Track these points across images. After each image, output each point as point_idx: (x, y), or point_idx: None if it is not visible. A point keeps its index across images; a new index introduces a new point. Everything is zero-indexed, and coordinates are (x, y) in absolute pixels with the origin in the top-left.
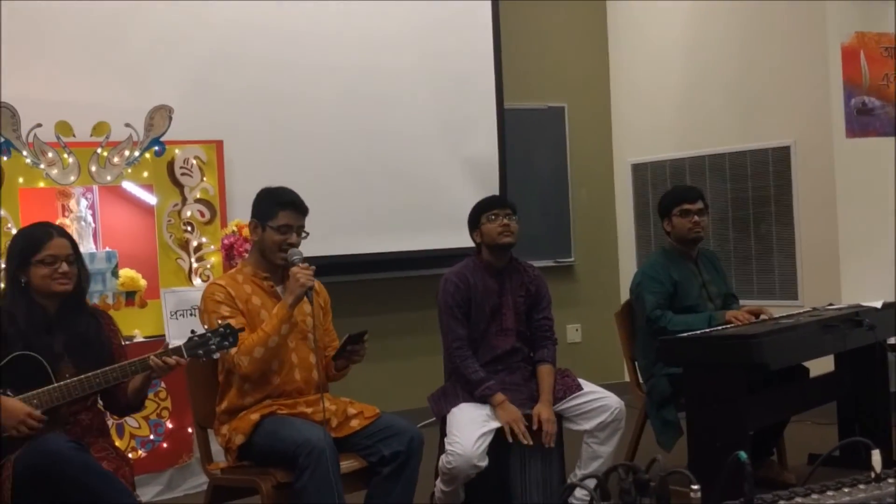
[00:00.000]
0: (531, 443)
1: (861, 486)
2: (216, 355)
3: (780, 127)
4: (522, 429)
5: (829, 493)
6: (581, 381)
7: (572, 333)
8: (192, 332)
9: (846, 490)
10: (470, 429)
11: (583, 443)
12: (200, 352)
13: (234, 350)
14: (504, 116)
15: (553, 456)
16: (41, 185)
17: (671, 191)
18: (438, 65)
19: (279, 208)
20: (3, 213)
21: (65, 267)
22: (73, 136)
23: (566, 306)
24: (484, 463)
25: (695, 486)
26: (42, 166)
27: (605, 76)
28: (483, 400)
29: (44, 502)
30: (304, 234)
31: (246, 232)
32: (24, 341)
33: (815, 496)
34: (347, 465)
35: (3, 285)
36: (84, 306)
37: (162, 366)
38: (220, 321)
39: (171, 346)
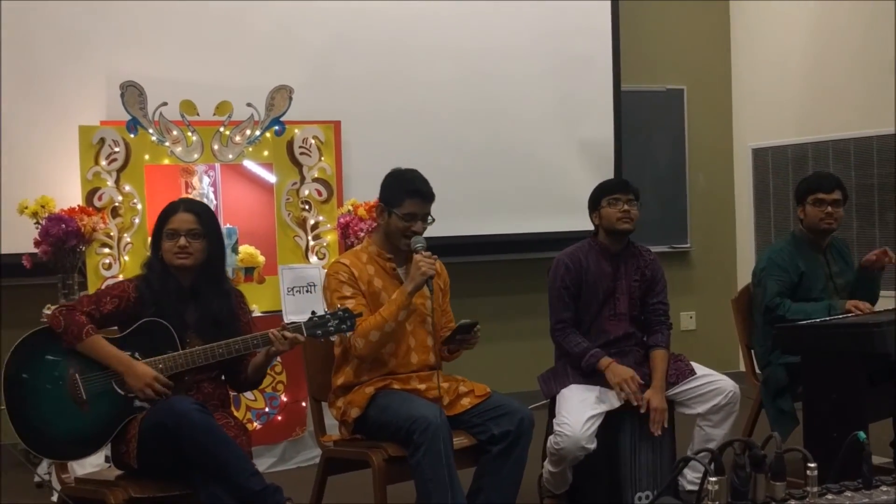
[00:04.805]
0: (643, 405)
1: None
2: (333, 338)
3: None
4: (634, 388)
5: None
6: (694, 364)
7: (686, 321)
8: (313, 312)
9: None
10: (579, 410)
11: (696, 425)
12: (319, 332)
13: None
14: (621, 98)
15: (664, 441)
16: (166, 162)
17: (808, 177)
18: (555, 45)
19: (406, 196)
20: (128, 188)
21: (182, 241)
22: (197, 114)
23: (680, 293)
24: (593, 445)
25: (811, 465)
26: (167, 144)
27: (726, 58)
28: (590, 369)
29: (166, 461)
30: (429, 220)
31: (361, 212)
32: (157, 307)
33: None
34: (458, 442)
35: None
36: (220, 282)
37: (281, 340)
38: (340, 302)
39: (291, 324)
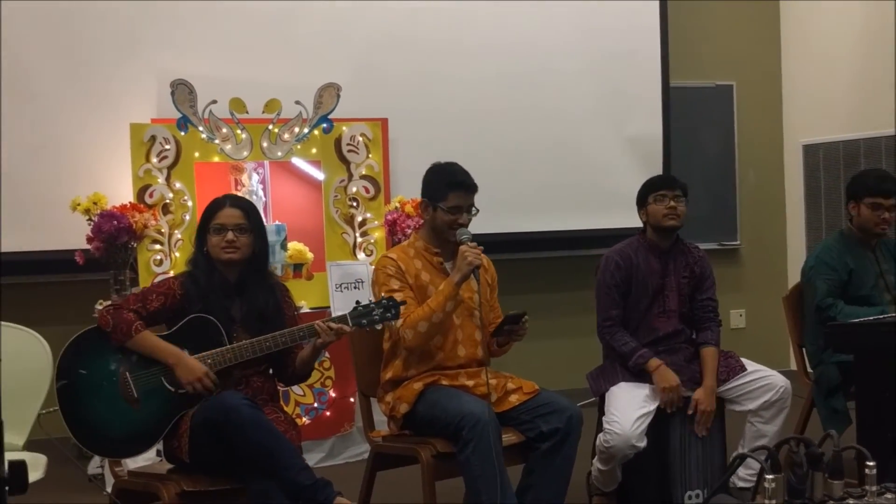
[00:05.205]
0: (691, 407)
1: None
2: (378, 326)
3: None
4: (676, 398)
5: None
6: (745, 360)
7: (736, 319)
8: (357, 302)
9: None
10: (629, 408)
11: (746, 422)
12: (364, 321)
13: (399, 323)
14: (670, 94)
15: (714, 439)
16: (216, 159)
17: (866, 176)
18: (603, 41)
19: (449, 190)
20: (179, 185)
21: (230, 236)
22: (247, 112)
23: (730, 291)
24: (643, 444)
25: (870, 463)
26: (217, 141)
27: (775, 52)
28: (638, 370)
29: (217, 456)
30: (474, 212)
31: (408, 208)
32: (203, 303)
33: None
34: (506, 439)
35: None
36: (265, 277)
37: (327, 331)
38: (386, 293)
39: (336, 315)
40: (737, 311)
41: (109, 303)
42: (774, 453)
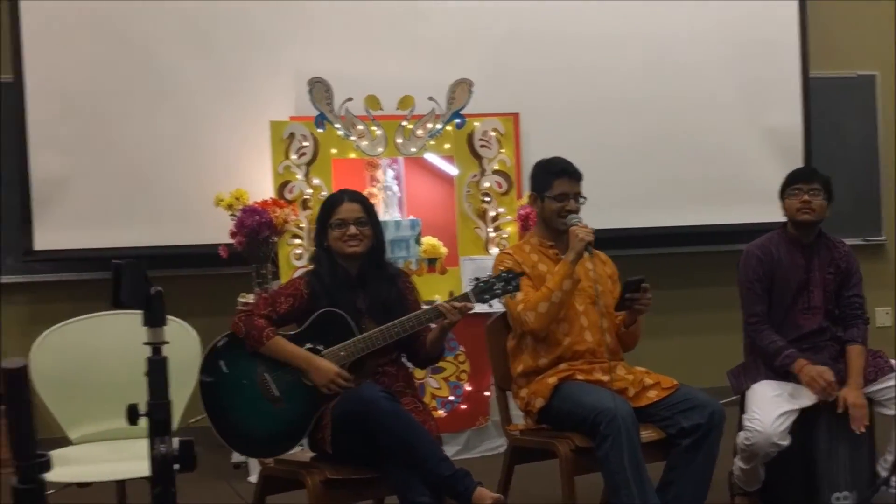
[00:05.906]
0: (840, 403)
1: None
2: (501, 300)
3: None
4: (830, 379)
5: None
6: (895, 362)
7: (882, 317)
8: (477, 278)
9: None
10: (771, 406)
11: (893, 429)
12: (486, 296)
13: (520, 307)
14: (809, 85)
15: (862, 440)
16: (352, 155)
17: None
18: (739, 31)
19: (553, 178)
20: (317, 181)
21: (353, 230)
22: (381, 109)
23: (875, 288)
24: (785, 442)
25: None
26: (353, 138)
27: None
28: (784, 370)
29: (359, 446)
30: (581, 200)
31: None
32: (329, 298)
33: None
34: (645, 435)
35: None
36: (384, 267)
37: (451, 310)
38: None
39: (459, 294)
40: (883, 308)
41: (241, 308)
42: None
